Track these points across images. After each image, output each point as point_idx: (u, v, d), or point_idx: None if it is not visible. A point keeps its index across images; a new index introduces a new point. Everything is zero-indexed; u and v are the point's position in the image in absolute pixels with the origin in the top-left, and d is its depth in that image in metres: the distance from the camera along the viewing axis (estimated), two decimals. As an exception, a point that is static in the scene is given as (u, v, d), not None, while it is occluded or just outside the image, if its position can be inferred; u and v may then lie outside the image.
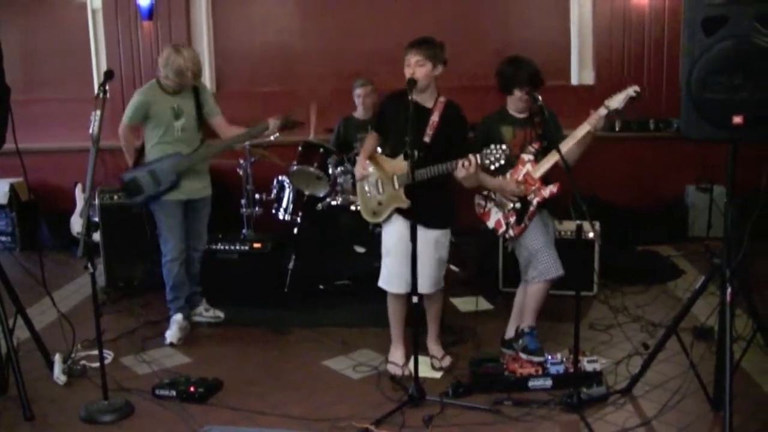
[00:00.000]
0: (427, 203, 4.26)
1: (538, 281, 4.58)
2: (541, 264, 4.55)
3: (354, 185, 6.12)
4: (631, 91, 4.38)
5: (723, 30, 3.47)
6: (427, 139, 4.40)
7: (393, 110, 4.51)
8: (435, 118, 4.42)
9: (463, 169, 4.17)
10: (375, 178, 4.59)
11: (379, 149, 4.80)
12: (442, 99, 4.49)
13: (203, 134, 5.40)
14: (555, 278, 4.55)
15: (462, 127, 4.52)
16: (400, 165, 4.45)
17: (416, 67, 4.33)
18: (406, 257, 4.25)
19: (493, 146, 4.15)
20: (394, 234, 4.55)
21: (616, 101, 4.40)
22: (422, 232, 4.31)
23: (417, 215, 4.17)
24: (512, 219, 4.65)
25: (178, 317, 5.35)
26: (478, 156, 4.15)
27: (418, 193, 4.21)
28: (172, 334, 5.27)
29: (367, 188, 4.63)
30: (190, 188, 5.27)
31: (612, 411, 4.06)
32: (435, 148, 4.35)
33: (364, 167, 4.60)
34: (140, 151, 5.35)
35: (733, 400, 3.55)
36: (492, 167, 4.20)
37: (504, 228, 4.68)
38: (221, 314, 5.65)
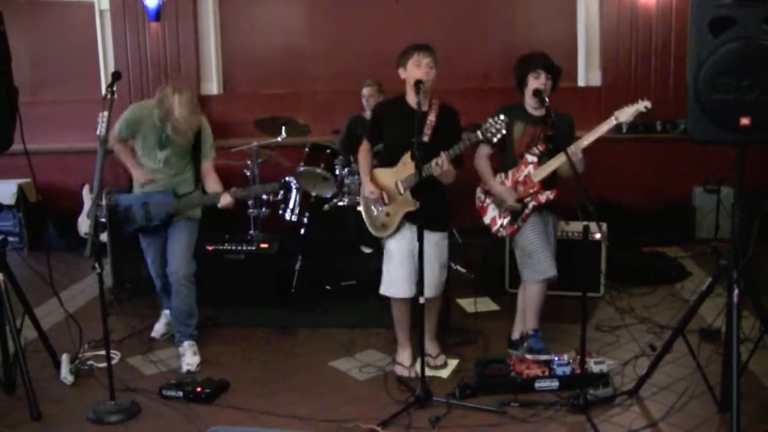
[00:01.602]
0: (426, 206, 4.28)
1: (532, 282, 4.60)
2: (533, 265, 4.58)
3: (360, 186, 6.15)
4: (642, 106, 4.35)
5: (730, 31, 3.47)
6: (425, 138, 4.43)
7: (391, 117, 4.60)
8: (432, 118, 4.47)
9: (437, 167, 4.26)
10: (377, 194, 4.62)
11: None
12: (435, 101, 4.54)
13: (198, 173, 5.06)
14: (548, 279, 4.56)
15: (457, 126, 4.56)
16: (399, 171, 4.51)
17: (428, 68, 4.39)
18: (407, 262, 4.44)
19: (491, 119, 4.24)
20: (397, 240, 4.58)
21: (626, 114, 4.37)
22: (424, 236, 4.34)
23: (423, 217, 4.18)
24: (506, 219, 4.67)
25: (166, 312, 5.45)
26: (478, 132, 4.26)
27: (420, 195, 4.23)
28: (155, 329, 5.42)
29: (372, 206, 4.66)
30: None
31: (619, 412, 4.05)
32: (433, 147, 4.35)
33: (372, 186, 4.61)
34: None
35: (740, 402, 3.55)
36: (494, 139, 4.27)
37: (498, 226, 4.72)
38: (185, 367, 4.81)
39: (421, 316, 4.24)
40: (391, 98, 4.68)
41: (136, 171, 5.00)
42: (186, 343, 4.99)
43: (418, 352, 4.22)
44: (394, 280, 4.57)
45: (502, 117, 4.23)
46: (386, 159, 4.66)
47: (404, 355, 4.74)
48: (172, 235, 5.01)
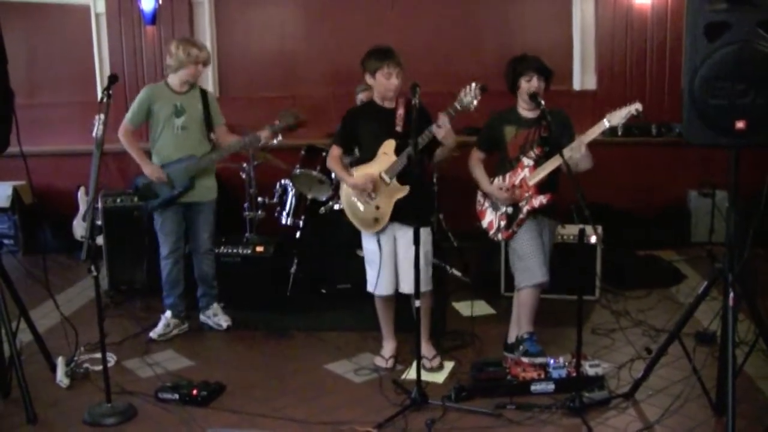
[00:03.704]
0: (408, 201, 4.38)
1: (524, 287, 4.62)
2: (525, 269, 4.60)
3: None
4: (633, 109, 4.36)
5: (725, 36, 3.48)
6: (398, 128, 4.60)
7: (363, 119, 4.73)
8: (400, 111, 4.62)
9: (439, 128, 4.40)
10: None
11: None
12: (401, 99, 4.66)
13: (210, 139, 5.47)
14: (539, 284, 4.58)
15: (424, 115, 4.57)
16: (380, 163, 4.61)
17: (397, 77, 4.56)
18: (389, 260, 4.65)
19: (464, 89, 4.39)
20: (382, 238, 4.67)
21: (617, 117, 4.38)
22: (406, 231, 4.47)
23: (412, 215, 4.28)
24: (502, 223, 4.68)
25: (167, 314, 5.49)
26: (455, 104, 4.40)
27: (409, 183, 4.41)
28: (154, 330, 5.41)
29: (357, 203, 4.71)
30: (193, 193, 5.35)
31: (614, 415, 4.06)
32: (407, 135, 4.45)
33: (358, 179, 4.65)
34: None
35: (735, 405, 3.56)
36: (471, 107, 4.40)
37: (494, 230, 4.74)
38: (224, 324, 5.59)
39: (410, 319, 4.25)
40: (358, 106, 4.82)
41: (148, 167, 5.30)
42: (215, 305, 5.67)
43: (411, 351, 4.24)
44: (378, 279, 4.70)
45: (474, 84, 4.35)
46: (363, 159, 4.76)
47: (386, 348, 4.89)
48: (195, 218, 5.47)
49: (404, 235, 4.53)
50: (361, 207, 4.69)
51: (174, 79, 5.30)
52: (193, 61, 5.20)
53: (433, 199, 4.81)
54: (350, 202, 4.75)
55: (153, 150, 5.38)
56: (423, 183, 4.68)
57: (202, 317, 5.67)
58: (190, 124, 5.30)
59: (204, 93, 5.43)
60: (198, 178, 5.32)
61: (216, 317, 5.63)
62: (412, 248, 4.38)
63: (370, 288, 4.79)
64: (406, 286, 4.60)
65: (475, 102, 4.37)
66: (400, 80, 4.56)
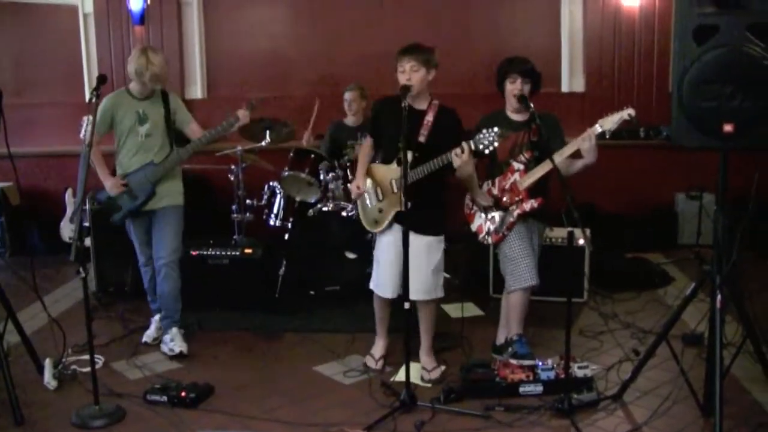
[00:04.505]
0: (421, 209, 4.30)
1: (514, 290, 4.62)
2: (516, 272, 4.60)
3: (345, 191, 6.14)
4: (626, 114, 4.39)
5: (714, 39, 3.50)
6: (421, 138, 4.45)
7: (387, 115, 4.56)
8: (429, 118, 4.46)
9: (457, 157, 4.24)
10: (373, 188, 4.65)
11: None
12: (435, 102, 4.53)
13: (173, 142, 5.21)
14: (529, 287, 4.58)
15: (456, 128, 4.51)
16: (395, 169, 4.47)
17: (411, 72, 4.38)
18: (395, 263, 4.46)
19: (485, 131, 4.21)
20: (386, 240, 4.62)
21: (610, 122, 4.41)
22: (415, 238, 4.35)
23: (410, 220, 4.19)
24: (492, 227, 4.69)
25: (155, 318, 5.44)
26: (471, 142, 4.23)
27: (416, 197, 4.23)
28: (147, 334, 5.37)
29: (366, 199, 4.69)
30: (156, 199, 5.14)
31: (603, 417, 4.08)
32: (429, 148, 4.37)
33: (360, 185, 4.64)
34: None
35: (723, 406, 3.57)
36: (486, 151, 4.25)
37: (484, 234, 4.74)
38: (176, 349, 5.08)
39: (408, 322, 4.24)
40: (391, 96, 4.59)
41: (108, 181, 5.11)
42: (174, 329, 5.20)
43: (402, 354, 4.23)
44: (380, 279, 4.66)
45: (496, 129, 4.20)
46: (382, 156, 4.70)
47: (376, 347, 4.88)
48: (158, 224, 5.17)
49: (415, 242, 4.34)
50: (369, 204, 4.68)
51: (134, 86, 5.07)
52: (139, 78, 4.94)
53: (444, 211, 4.64)
54: (363, 196, 4.72)
55: (116, 160, 5.17)
56: (433, 197, 4.51)
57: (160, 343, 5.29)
58: (154, 131, 5.07)
59: (165, 95, 5.16)
60: (161, 182, 5.11)
61: (172, 342, 5.13)
62: (422, 256, 4.41)
63: (370, 285, 4.77)
64: (414, 293, 4.37)
65: (491, 147, 4.21)
66: (418, 75, 4.36)
